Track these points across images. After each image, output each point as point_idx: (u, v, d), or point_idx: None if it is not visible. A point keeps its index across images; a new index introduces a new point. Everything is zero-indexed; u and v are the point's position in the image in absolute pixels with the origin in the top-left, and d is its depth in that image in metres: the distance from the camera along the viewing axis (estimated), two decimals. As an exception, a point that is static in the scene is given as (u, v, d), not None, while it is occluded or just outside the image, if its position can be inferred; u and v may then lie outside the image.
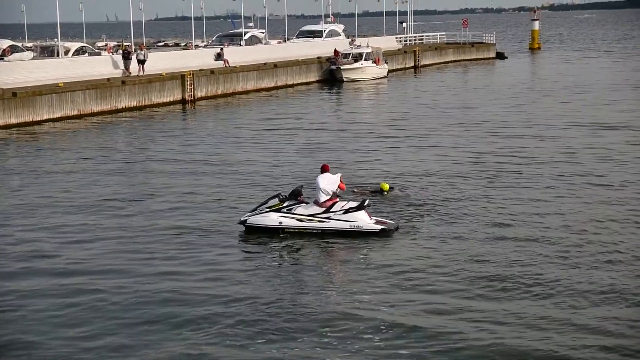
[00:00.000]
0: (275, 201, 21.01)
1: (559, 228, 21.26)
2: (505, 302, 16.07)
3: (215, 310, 15.76)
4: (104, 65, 52.54)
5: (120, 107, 48.61)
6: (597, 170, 28.68)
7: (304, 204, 21.00)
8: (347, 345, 14.28)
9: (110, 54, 59.63)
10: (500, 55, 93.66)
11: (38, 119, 43.41)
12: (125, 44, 65.77)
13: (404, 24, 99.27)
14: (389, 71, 72.16)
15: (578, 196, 24.95)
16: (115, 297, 16.65)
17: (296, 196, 21.05)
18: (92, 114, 46.41)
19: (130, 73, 51.53)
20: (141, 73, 51.85)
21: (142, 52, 52.85)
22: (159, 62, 55.95)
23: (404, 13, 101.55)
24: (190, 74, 53.39)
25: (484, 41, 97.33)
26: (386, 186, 25.12)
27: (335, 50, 69.24)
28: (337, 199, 21.06)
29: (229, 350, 14.13)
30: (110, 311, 15.94)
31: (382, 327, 14.87)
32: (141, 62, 52.17)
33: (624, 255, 18.86)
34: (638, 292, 16.51)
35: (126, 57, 52.02)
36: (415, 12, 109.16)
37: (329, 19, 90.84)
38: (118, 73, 51.91)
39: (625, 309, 15.63)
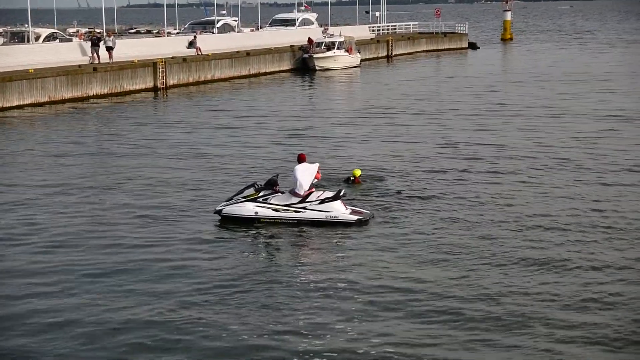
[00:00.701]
0: (251, 191, 20.91)
1: (535, 213, 21.41)
2: (482, 288, 16.05)
3: (188, 299, 15.71)
4: (75, 52, 52.12)
5: (91, 93, 48.22)
6: (569, 156, 29.03)
7: (279, 194, 20.92)
8: (318, 326, 14.39)
9: (82, 40, 59.02)
10: (472, 46, 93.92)
11: (8, 105, 43.01)
12: (97, 30, 65.17)
13: (377, 14, 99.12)
14: (362, 60, 72.08)
15: (552, 181, 25.20)
16: (87, 285, 16.53)
17: (272, 186, 20.94)
18: (63, 101, 46.05)
19: (98, 60, 50.93)
20: (110, 60, 51.29)
21: (110, 39, 52.30)
22: (131, 49, 55.57)
23: (377, 1, 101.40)
24: (162, 62, 53.05)
25: (457, 31, 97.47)
26: (358, 172, 25.06)
27: (309, 38, 69.07)
28: (313, 189, 21.02)
29: (198, 332, 14.18)
30: (83, 295, 15.86)
31: (354, 315, 14.88)
32: (109, 49, 51.59)
33: (603, 240, 18.98)
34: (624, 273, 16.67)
35: (95, 44, 51.39)
36: (389, 2, 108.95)
37: (302, 7, 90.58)
38: (89, 60, 51.42)
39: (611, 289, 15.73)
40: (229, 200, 21.16)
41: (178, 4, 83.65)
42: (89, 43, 52.24)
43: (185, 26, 78.23)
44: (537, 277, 16.64)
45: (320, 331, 14.24)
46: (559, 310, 14.97)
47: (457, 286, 16.20)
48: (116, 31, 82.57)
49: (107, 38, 52.42)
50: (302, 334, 14.15)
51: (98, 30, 63.21)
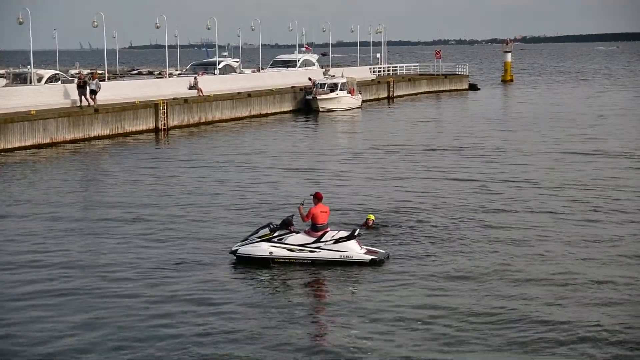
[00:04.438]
0: (266, 231, 20.64)
1: (550, 254, 21.13)
2: (499, 335, 15.64)
3: (205, 339, 15.44)
4: (77, 93, 51.61)
5: (93, 135, 47.85)
6: (581, 196, 28.84)
7: (294, 234, 20.59)
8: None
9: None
10: (473, 87, 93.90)
11: (9, 146, 42.56)
12: (92, 71, 64.87)
13: (378, 55, 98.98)
14: (363, 101, 71.95)
15: (567, 222, 24.87)
16: (102, 329, 16.11)
17: (287, 226, 20.67)
18: (65, 142, 45.63)
19: (87, 103, 49.47)
20: (92, 104, 49.58)
21: (94, 82, 50.72)
22: (133, 90, 55.36)
23: (378, 44, 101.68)
24: (163, 103, 52.77)
25: (457, 72, 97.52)
26: (372, 217, 24.62)
27: (309, 78, 69.08)
28: (328, 229, 20.68)
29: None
30: (98, 343, 15.40)
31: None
32: (93, 93, 49.98)
33: (623, 288, 18.49)
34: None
35: (81, 87, 49.98)
36: (389, 43, 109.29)
37: (303, 49, 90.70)
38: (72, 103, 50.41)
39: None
40: (244, 240, 20.88)
41: (180, 46, 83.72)
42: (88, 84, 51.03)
43: (187, 67, 78.24)
44: (558, 332, 15.89)
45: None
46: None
47: (476, 333, 15.72)
48: (118, 72, 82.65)
49: (91, 81, 50.97)
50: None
51: (96, 71, 62.85)
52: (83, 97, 49.70)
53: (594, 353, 14.75)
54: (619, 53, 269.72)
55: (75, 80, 52.59)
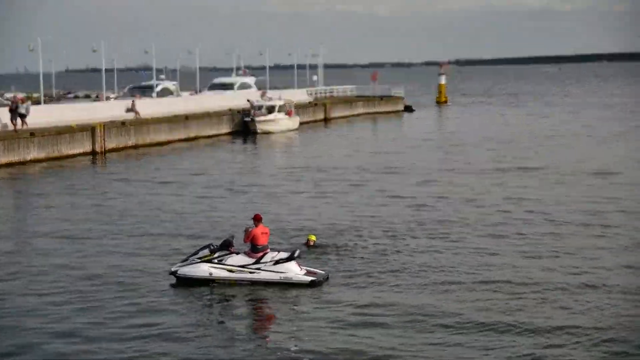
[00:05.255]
0: (206, 252, 20.74)
1: (484, 270, 21.58)
2: (438, 348, 16.02)
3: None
4: (9, 117, 51.04)
5: (29, 158, 47.37)
6: (518, 215, 29.30)
7: (235, 255, 20.70)
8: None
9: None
10: (408, 108, 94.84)
11: (-58, 171, 42.03)
12: (28, 95, 64.04)
13: (315, 77, 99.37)
14: (300, 123, 72.34)
15: (503, 235, 25.55)
16: (34, 352, 16.08)
17: (227, 247, 20.79)
18: (-1, 166, 45.11)
19: (16, 128, 48.72)
20: (24, 127, 48.89)
21: (24, 106, 49.86)
22: (70, 113, 54.91)
23: (315, 66, 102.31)
24: (101, 126, 52.48)
25: (393, 95, 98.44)
26: (313, 237, 24.86)
27: (248, 100, 69.38)
28: (268, 250, 20.83)
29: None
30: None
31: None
32: (22, 116, 49.14)
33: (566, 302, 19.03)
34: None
35: (13, 111, 49.06)
36: (326, 66, 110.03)
37: (240, 72, 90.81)
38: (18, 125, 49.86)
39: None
40: (184, 261, 20.93)
41: (117, 69, 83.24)
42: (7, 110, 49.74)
43: (125, 90, 77.76)
44: (500, 341, 16.44)
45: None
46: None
47: (413, 350, 16.01)
48: (54, 95, 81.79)
49: (20, 105, 49.91)
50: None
51: (20, 95, 61.85)
52: (14, 121, 49.00)
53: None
54: (558, 74, 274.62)
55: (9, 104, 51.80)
